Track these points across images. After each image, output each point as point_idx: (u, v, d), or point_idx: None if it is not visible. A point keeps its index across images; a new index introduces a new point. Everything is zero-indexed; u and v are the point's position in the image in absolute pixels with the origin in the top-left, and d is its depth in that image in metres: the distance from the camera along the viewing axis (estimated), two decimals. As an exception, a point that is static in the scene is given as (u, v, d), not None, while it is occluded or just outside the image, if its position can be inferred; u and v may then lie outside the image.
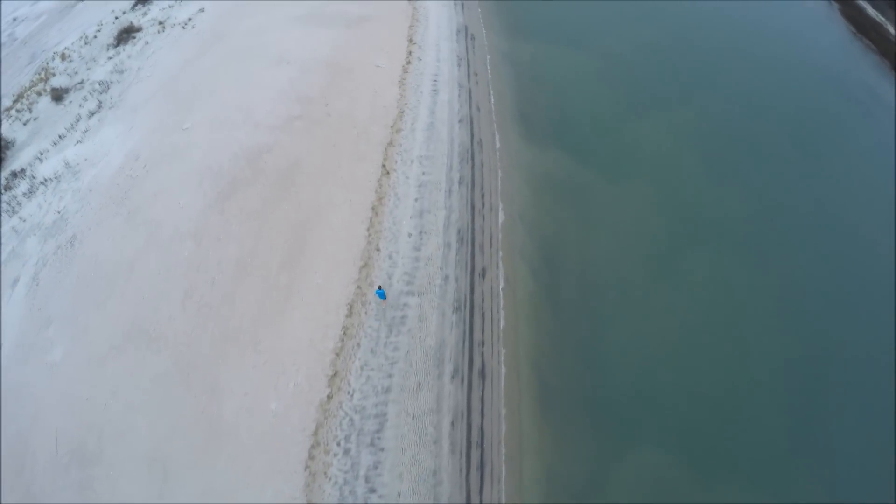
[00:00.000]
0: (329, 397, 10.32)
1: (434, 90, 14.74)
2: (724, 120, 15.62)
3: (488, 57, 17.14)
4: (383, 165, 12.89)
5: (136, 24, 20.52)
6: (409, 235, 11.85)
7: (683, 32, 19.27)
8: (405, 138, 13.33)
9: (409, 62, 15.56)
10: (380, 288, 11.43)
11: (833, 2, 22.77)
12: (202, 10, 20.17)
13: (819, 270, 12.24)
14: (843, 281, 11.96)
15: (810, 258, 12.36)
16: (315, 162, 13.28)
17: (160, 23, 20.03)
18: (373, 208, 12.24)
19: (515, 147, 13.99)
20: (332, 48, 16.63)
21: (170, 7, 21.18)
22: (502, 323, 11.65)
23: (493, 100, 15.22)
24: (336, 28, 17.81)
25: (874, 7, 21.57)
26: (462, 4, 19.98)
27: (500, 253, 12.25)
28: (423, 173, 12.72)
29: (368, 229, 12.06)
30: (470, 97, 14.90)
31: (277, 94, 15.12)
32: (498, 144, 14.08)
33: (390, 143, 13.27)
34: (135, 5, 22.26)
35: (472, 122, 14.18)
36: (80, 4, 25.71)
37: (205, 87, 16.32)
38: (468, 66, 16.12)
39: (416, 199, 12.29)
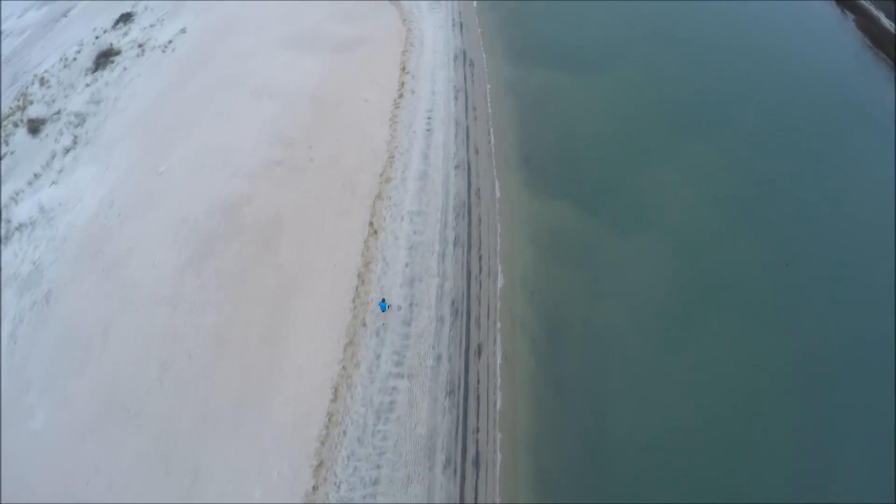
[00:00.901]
0: (315, 488, 9.43)
1: (428, 129, 13.05)
2: (743, 157, 14.44)
3: (488, 86, 15.40)
4: (371, 223, 11.50)
5: (115, 46, 19.04)
6: (399, 308, 10.58)
7: (696, 54, 18.03)
8: (395, 190, 11.81)
9: (401, 95, 13.83)
10: (382, 300, 11.23)
11: (847, 13, 20.85)
12: (184, 31, 18.44)
13: (845, 338, 10.90)
14: (871, 353, 10.33)
15: (836, 325, 11.25)
16: (296, 217, 11.96)
17: (140, 45, 18.44)
18: (359, 275, 10.93)
19: (517, 197, 12.47)
20: (318, 78, 15.01)
21: (151, 27, 19.51)
22: (499, 404, 10.49)
23: (492, 139, 13.53)
24: (324, 54, 16.31)
25: (887, 17, 18.86)
26: (461, 24, 18.54)
27: (498, 325, 10.95)
28: (415, 232, 11.26)
29: (354, 300, 10.79)
30: (468, 137, 13.21)
31: (258, 135, 13.66)
32: (498, 194, 12.51)
33: (379, 196, 11.79)
34: (116, 23, 20.61)
35: (469, 168, 12.57)
36: (64, 20, 23.89)
37: (182, 124, 14.97)
38: (466, 98, 14.37)
39: (406, 265, 10.92)
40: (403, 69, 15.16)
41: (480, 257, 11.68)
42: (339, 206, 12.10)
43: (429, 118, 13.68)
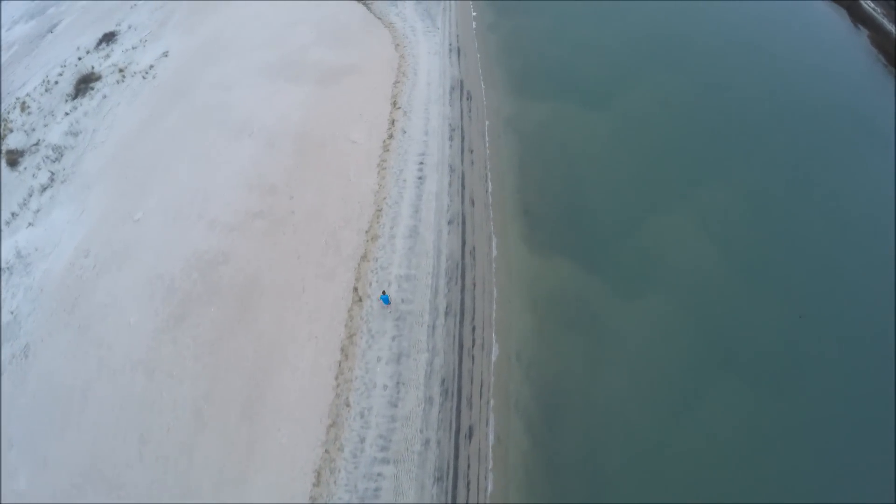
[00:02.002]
0: (294, 582, 8.49)
1: (420, 177, 11.74)
2: (757, 200, 13.24)
3: (487, 123, 14.15)
4: (355, 288, 10.43)
5: (96, 70, 18.11)
6: (385, 388, 9.61)
7: (707, 81, 16.87)
8: (382, 250, 10.65)
9: (391, 136, 12.49)
10: (384, 293, 10.85)
11: (861, 27, 19.57)
12: (166, 55, 17.07)
13: (863, 404, 10.17)
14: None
15: (852, 387, 10.28)
16: (276, 280, 10.95)
17: (120, 70, 17.30)
18: (342, 349, 9.94)
19: (515, 255, 11.35)
20: (302, 114, 13.82)
21: (133, 48, 18.25)
22: (490, 488, 9.47)
23: (490, 187, 12.35)
24: (309, 84, 15.34)
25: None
26: (458, 50, 17.17)
27: (492, 402, 10.05)
28: (403, 301, 10.18)
29: (337, 377, 9.86)
30: (463, 185, 11.93)
31: (237, 180, 12.55)
32: (495, 252, 11.36)
33: (364, 257, 10.64)
34: (99, 43, 19.35)
35: (463, 223, 11.34)
36: (50, 36, 22.46)
37: (159, 164, 13.96)
38: (462, 138, 13.02)
39: (393, 338, 9.90)
40: (394, 104, 13.85)
41: (474, 328, 10.64)
42: (322, 267, 11.03)
43: (421, 163, 12.48)
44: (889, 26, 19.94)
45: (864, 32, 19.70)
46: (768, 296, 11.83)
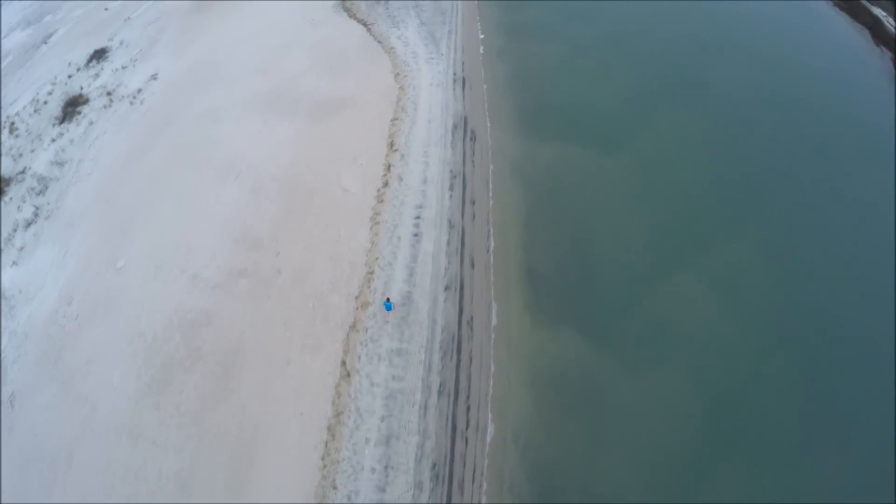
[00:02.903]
0: None
1: (416, 234, 10.82)
2: (777, 258, 11.86)
3: (491, 167, 13.13)
4: (343, 362, 9.69)
5: (84, 92, 17.75)
6: (373, 471, 8.96)
7: (727, 116, 15.27)
8: (373, 319, 10.09)
9: (386, 184, 11.48)
10: (388, 300, 10.70)
11: (884, 50, 17.84)
12: (155, 77, 16.22)
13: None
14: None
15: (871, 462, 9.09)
16: (261, 348, 10.40)
17: (108, 93, 16.86)
18: (329, 428, 9.32)
19: (517, 326, 10.56)
20: (292, 155, 12.92)
21: (123, 68, 17.58)
22: None
23: (492, 245, 11.34)
24: (301, 119, 14.55)
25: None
26: (463, 81, 15.79)
27: (484, 486, 9.18)
28: (394, 377, 9.44)
29: (323, 458, 9.26)
30: (462, 244, 10.97)
31: (221, 230, 11.89)
32: (495, 321, 10.50)
33: (353, 327, 9.87)
34: (90, 60, 18.45)
35: (462, 289, 10.42)
36: (45, 47, 21.68)
37: (142, 205, 13.47)
38: (464, 187, 11.99)
39: (382, 419, 9.21)
40: (391, 145, 12.88)
41: (468, 408, 9.87)
42: (309, 336, 10.29)
43: (417, 217, 11.58)
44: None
45: (888, 55, 17.70)
46: (785, 368, 10.82)
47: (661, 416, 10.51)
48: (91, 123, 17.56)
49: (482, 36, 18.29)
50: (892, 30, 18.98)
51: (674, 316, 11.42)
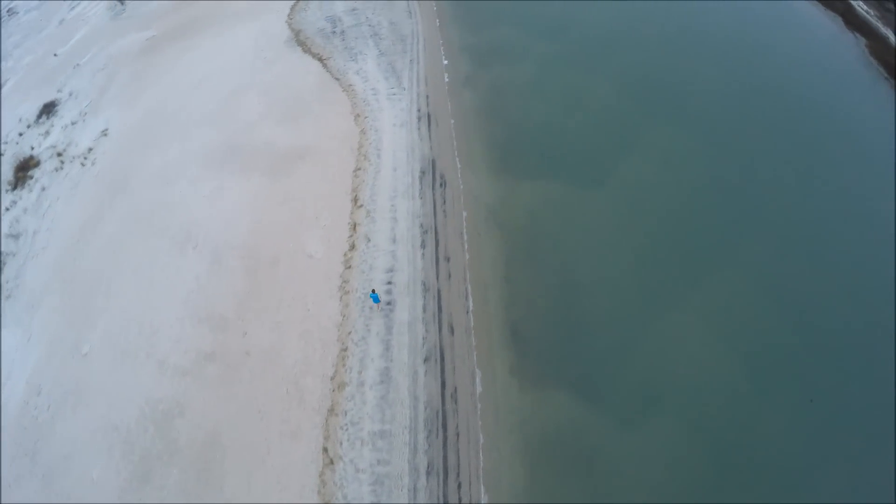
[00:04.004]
0: None
1: (388, 302, 10.32)
2: (777, 296, 10.83)
3: (465, 215, 12.33)
4: (325, 449, 8.94)
5: (35, 154, 16.48)
6: None
7: (716, 138, 13.82)
8: (351, 401, 9.24)
9: (352, 246, 10.63)
10: (373, 291, 10.55)
11: (859, 36, 17.10)
12: (105, 134, 15.30)
13: None
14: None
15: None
16: (238, 437, 9.76)
17: (59, 154, 15.87)
18: None
19: (503, 392, 9.97)
20: (250, 219, 12.26)
21: (73, 124, 16.49)
22: None
23: (471, 305, 10.39)
24: (258, 177, 13.50)
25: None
26: (428, 116, 14.32)
27: None
28: (379, 462, 8.82)
29: None
30: (439, 308, 10.25)
31: (184, 309, 11.32)
32: (479, 388, 9.87)
33: (332, 410, 9.25)
34: (40, 116, 17.12)
35: (442, 359, 9.78)
36: (6, 89, 19.53)
37: (101, 281, 13.23)
38: (436, 243, 11.19)
39: None
40: (355, 201, 12.02)
41: (460, 485, 9.24)
42: (286, 423, 9.58)
43: (389, 283, 10.79)
44: (887, 32, 16.92)
45: (862, 41, 16.62)
46: (786, 409, 9.98)
47: (662, 471, 9.88)
48: (43, 189, 16.45)
49: (446, 62, 16.82)
50: (864, 13, 17.66)
51: (668, 362, 10.62)
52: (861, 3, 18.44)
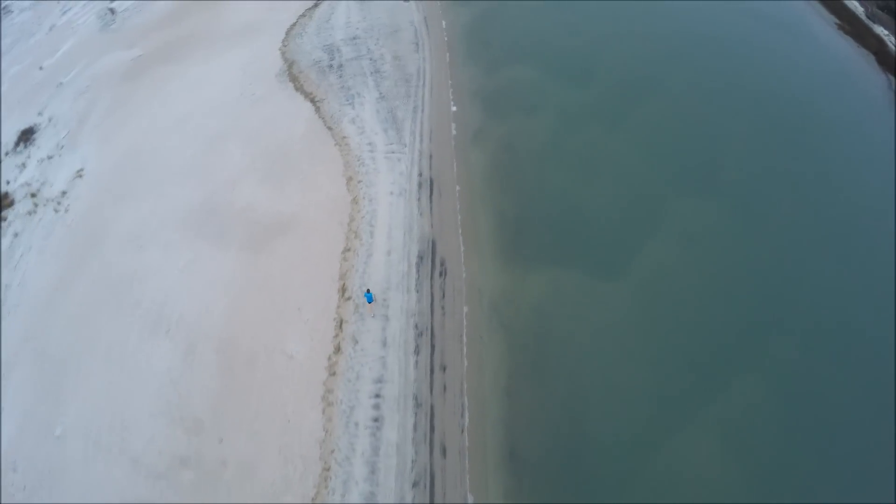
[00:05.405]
0: None
1: (376, 419, 9.02)
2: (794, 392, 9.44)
3: (466, 311, 10.72)
4: None
5: (10, 190, 14.39)
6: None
7: (754, 222, 11.67)
8: None
9: (338, 349, 9.59)
10: (368, 291, 10.28)
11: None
12: (80, 175, 14.43)
13: None
14: None
15: None
16: None
17: (33, 195, 14.48)
18: None
19: None
20: (227, 305, 11.39)
21: (49, 159, 15.64)
22: None
23: (467, 422, 9.06)
24: (236, 252, 11.91)
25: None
26: (431, 182, 12.26)
27: None
28: None
29: None
30: (431, 427, 9.21)
31: (157, 405, 10.82)
32: None
33: None
34: (17, 144, 15.93)
35: (432, 484, 8.82)
36: None
37: (72, 359, 12.61)
38: (432, 348, 10.00)
39: None
40: (342, 291, 10.63)
41: None
42: None
43: (377, 396, 9.60)
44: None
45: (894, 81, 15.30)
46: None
47: None
48: (16, 235, 15.54)
49: (454, 108, 14.57)
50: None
51: (682, 489, 9.58)
52: (893, 40, 16.37)
